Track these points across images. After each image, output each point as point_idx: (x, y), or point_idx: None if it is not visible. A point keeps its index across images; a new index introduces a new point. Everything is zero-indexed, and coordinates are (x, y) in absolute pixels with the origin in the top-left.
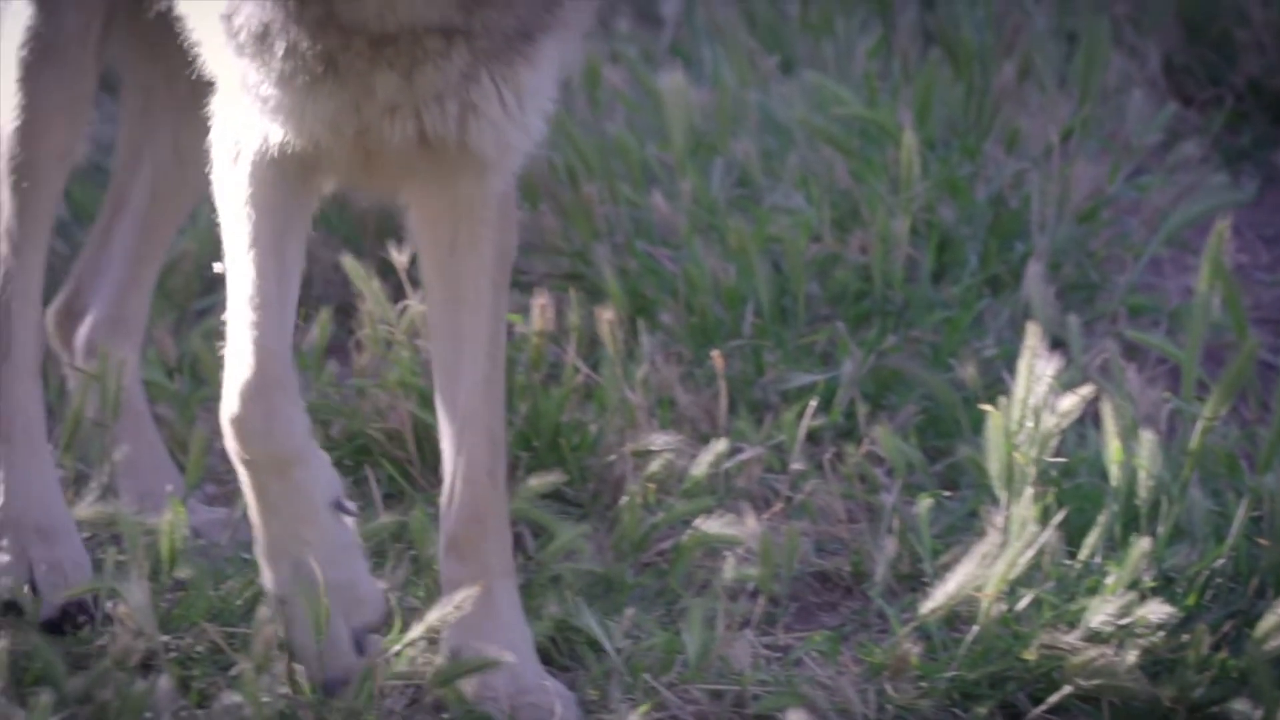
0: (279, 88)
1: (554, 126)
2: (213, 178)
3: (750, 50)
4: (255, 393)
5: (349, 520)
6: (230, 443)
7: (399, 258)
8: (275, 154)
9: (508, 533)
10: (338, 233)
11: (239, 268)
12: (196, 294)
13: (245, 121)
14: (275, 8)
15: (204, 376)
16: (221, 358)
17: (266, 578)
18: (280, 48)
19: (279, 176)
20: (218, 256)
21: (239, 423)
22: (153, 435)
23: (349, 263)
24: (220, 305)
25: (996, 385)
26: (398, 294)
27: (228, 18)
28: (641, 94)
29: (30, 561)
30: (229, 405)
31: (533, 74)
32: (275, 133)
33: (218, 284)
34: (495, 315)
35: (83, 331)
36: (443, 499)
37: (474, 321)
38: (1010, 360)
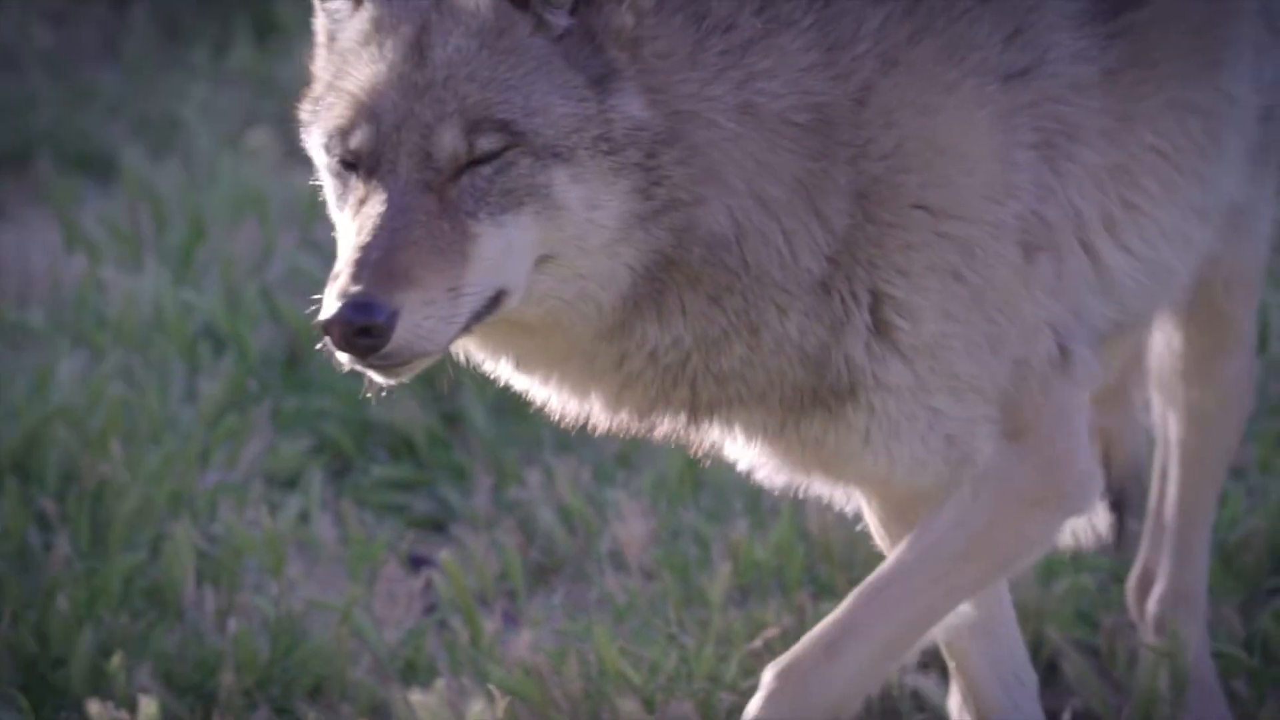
0: None
1: None
2: None
3: None
4: None
5: None
6: None
7: None
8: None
9: None
10: None
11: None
12: (1266, 572)
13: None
14: None
15: (1275, 654)
16: None
17: None
18: None
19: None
20: None
21: None
22: (1222, 711)
23: None
24: None
25: None
26: None
27: None
28: None
29: None
30: None
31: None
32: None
33: None
34: None
35: (1151, 604)
36: None
37: None
38: None
